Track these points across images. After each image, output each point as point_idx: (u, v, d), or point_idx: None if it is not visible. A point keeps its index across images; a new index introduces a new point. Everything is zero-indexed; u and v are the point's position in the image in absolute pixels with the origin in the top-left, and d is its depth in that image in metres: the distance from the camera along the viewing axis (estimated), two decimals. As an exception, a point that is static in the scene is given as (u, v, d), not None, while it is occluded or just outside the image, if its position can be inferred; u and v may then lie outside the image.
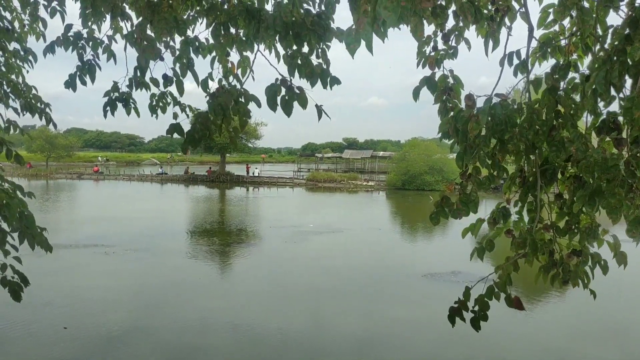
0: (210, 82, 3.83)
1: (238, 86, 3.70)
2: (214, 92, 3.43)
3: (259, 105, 3.49)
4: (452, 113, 3.28)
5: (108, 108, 3.93)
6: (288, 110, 3.32)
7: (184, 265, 14.68)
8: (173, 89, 3.98)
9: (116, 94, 3.97)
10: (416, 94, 3.48)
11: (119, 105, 3.99)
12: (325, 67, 3.51)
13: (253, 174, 56.14)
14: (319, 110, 3.42)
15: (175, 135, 3.42)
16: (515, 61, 3.49)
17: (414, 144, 49.46)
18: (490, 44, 3.37)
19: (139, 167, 76.99)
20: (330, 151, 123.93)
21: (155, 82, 4.04)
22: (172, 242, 18.31)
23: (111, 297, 11.31)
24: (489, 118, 3.08)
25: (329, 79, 3.50)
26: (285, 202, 35.42)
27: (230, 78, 3.94)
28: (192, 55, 3.88)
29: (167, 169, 69.99)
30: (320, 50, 3.55)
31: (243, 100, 3.48)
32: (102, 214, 25.74)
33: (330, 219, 25.60)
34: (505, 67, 3.48)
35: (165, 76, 3.94)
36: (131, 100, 4.04)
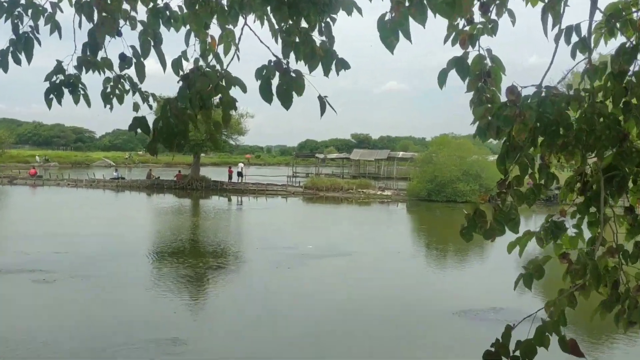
0: (184, 63, 3.82)
1: (218, 67, 3.70)
2: (186, 73, 3.44)
3: (244, 90, 3.48)
4: (489, 105, 3.29)
5: (52, 95, 3.94)
6: (287, 102, 3.33)
7: (144, 298, 14.68)
8: (132, 72, 3.98)
9: (61, 77, 3.98)
10: (442, 78, 3.46)
11: (65, 91, 3.99)
12: (329, 46, 3.51)
13: (239, 175, 55.85)
14: (323, 102, 3.41)
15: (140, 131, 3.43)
16: (574, 38, 3.44)
17: (443, 142, 49.54)
18: (550, 20, 3.33)
19: (89, 169, 77.17)
20: (335, 151, 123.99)
21: (107, 63, 4.02)
22: (131, 267, 18.30)
23: (52, 339, 11.32)
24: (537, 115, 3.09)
25: (334, 63, 3.50)
26: (276, 216, 35.45)
27: (210, 57, 3.95)
28: (163, 27, 3.89)
29: (125, 173, 70.04)
30: (323, 24, 3.55)
31: (224, 83, 3.47)
32: (40, 229, 25.76)
33: (334, 239, 25.60)
34: (562, 44, 3.45)
35: (122, 56, 3.93)
36: (80, 86, 4.05)
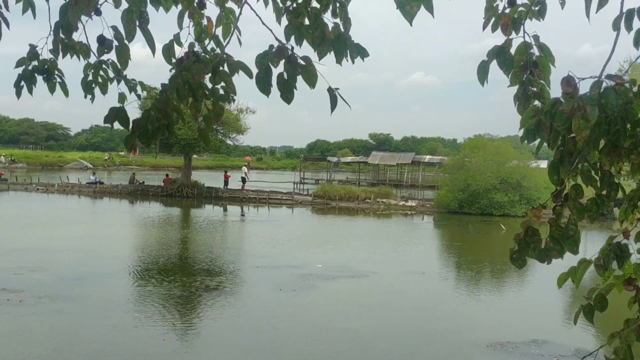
0: (177, 49, 3.82)
1: (218, 51, 3.69)
2: (180, 57, 3.45)
3: (250, 75, 3.44)
4: (537, 102, 3.27)
5: (23, 83, 3.98)
6: (287, 94, 3.31)
7: (123, 325, 14.71)
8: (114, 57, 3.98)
9: (35, 63, 4.02)
10: (483, 72, 3.44)
11: (39, 78, 4.03)
12: (343, 30, 3.49)
13: (243, 181, 55.66)
14: (333, 95, 3.40)
15: (118, 126, 3.44)
16: (637, 24, 3.41)
17: (477, 145, 49.50)
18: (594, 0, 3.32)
19: (62, 172, 77.44)
20: (351, 153, 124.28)
21: (84, 48, 4.03)
22: (110, 288, 18.37)
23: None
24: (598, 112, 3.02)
25: (349, 49, 3.47)
26: (280, 230, 35.46)
27: (207, 41, 3.95)
28: (152, 7, 3.90)
29: (104, 176, 70.38)
30: (338, 4, 3.54)
31: (227, 69, 3.46)
32: (4, 242, 25.90)
33: (348, 257, 25.59)
34: (622, 31, 3.40)
35: (101, 38, 3.94)
36: (56, 73, 4.09)
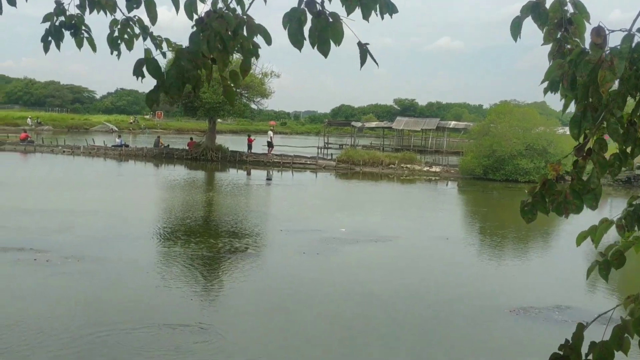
0: (199, 5, 3.79)
1: (239, 11, 3.66)
2: (201, 17, 3.43)
3: (268, 41, 3.43)
4: (569, 58, 3.22)
5: (51, 38, 3.98)
6: (324, 46, 3.27)
7: (149, 285, 14.87)
8: (142, 13, 3.98)
9: (62, 19, 4.02)
10: (516, 27, 3.40)
11: (66, 34, 4.03)
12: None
13: (269, 145, 55.60)
14: (363, 50, 3.37)
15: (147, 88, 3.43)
16: None
17: (503, 111, 49.11)
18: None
19: (88, 134, 78.09)
20: (375, 119, 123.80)
21: (110, 5, 4.03)
22: (134, 249, 18.58)
23: (40, 326, 11.53)
24: (627, 64, 2.99)
25: (378, 4, 3.43)
26: (304, 194, 35.59)
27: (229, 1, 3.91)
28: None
29: (129, 139, 70.82)
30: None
31: (245, 32, 3.44)
32: (31, 203, 26.22)
33: (371, 222, 25.64)
34: None
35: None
36: (84, 28, 4.08)
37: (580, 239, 3.59)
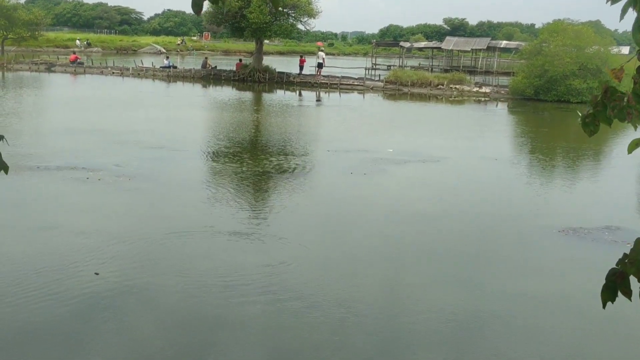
0: None
1: None
2: None
3: None
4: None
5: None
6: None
7: (199, 202, 15.13)
8: None
9: None
10: None
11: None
12: None
13: (319, 67, 54.56)
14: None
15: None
16: None
17: (556, 29, 47.63)
18: None
19: (136, 56, 78.36)
20: (424, 39, 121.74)
21: None
22: (184, 168, 18.86)
23: (94, 244, 11.83)
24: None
25: None
26: (352, 115, 35.45)
27: None
28: None
29: (177, 61, 70.96)
30: None
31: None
32: (82, 123, 26.62)
33: (419, 142, 25.50)
34: None
35: None
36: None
37: (632, 146, 3.51)
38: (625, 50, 56.77)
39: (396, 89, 49.52)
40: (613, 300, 3.36)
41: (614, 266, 3.34)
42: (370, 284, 10.62)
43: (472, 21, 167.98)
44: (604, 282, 3.36)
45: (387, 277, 11.07)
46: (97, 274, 10.28)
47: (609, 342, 8.91)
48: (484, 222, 14.64)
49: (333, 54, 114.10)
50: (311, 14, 52.57)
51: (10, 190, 14.86)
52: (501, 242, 13.24)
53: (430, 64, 75.65)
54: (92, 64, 59.38)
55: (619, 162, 22.17)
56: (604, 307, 3.39)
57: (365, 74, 58.58)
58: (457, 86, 49.21)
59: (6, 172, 4.17)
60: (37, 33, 67.40)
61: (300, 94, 46.54)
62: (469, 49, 70.90)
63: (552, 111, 39.55)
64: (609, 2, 3.17)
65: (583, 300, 10.00)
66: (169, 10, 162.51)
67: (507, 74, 59.48)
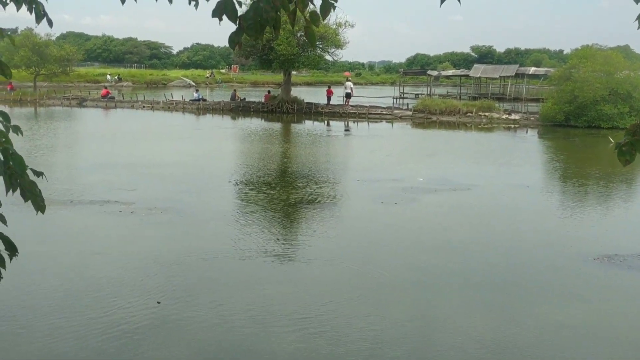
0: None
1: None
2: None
3: None
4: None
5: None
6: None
7: (229, 233, 15.18)
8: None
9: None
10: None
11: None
12: None
13: (347, 97, 55.26)
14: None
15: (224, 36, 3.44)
16: None
17: (586, 55, 47.49)
18: None
19: (166, 89, 79.42)
20: (452, 67, 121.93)
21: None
22: (214, 199, 18.94)
23: (128, 276, 11.93)
24: None
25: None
26: (381, 144, 35.47)
27: None
28: None
29: (206, 93, 71.74)
30: None
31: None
32: (114, 157, 26.97)
33: (449, 171, 25.39)
34: None
35: None
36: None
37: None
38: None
39: (425, 117, 49.52)
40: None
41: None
42: (401, 310, 10.52)
43: (500, 48, 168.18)
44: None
45: (417, 302, 10.97)
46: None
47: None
48: (517, 250, 14.48)
49: (360, 84, 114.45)
50: (338, 45, 52.91)
51: (43, 223, 14.98)
52: (535, 270, 13.06)
53: (459, 91, 75.71)
54: (123, 98, 60.24)
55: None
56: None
57: (394, 102, 58.74)
58: (486, 113, 49.06)
59: (42, 212, 4.19)
60: (68, 69, 68.59)
61: (328, 124, 46.70)
62: (497, 76, 70.91)
63: (582, 137, 39.24)
64: (641, 28, 3.15)
65: (621, 329, 9.83)
66: (197, 44, 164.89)
67: (536, 100, 59.35)
